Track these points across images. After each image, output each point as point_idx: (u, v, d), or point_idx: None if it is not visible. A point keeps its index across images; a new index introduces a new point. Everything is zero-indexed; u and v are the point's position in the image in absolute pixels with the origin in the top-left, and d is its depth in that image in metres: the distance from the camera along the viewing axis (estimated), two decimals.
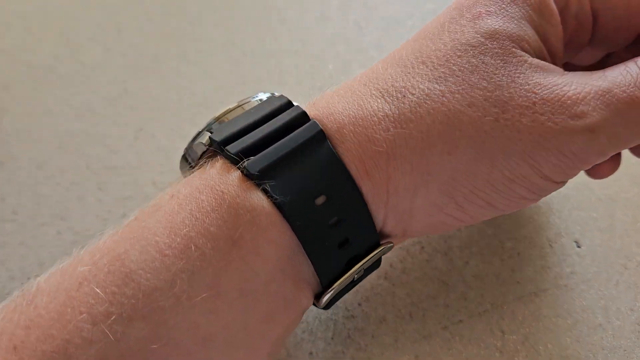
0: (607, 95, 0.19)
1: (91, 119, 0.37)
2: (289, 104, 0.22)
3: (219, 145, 0.21)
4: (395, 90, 0.21)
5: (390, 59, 0.22)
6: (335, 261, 0.22)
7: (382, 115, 0.20)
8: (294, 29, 0.42)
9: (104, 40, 0.41)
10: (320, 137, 0.21)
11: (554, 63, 0.22)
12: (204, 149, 0.22)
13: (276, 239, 0.20)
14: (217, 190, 0.20)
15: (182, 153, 0.24)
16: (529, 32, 0.21)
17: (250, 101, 0.23)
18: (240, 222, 0.19)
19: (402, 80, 0.21)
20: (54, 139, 0.36)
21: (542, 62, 0.21)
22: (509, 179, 0.20)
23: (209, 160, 0.22)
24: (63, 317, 0.17)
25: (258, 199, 0.20)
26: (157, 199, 0.21)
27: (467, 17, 0.21)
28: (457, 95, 0.20)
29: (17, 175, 0.34)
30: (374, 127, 0.20)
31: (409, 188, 0.21)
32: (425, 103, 0.20)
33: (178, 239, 0.18)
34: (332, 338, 0.27)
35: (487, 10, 0.21)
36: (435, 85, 0.20)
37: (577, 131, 0.19)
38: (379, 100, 0.21)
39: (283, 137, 0.21)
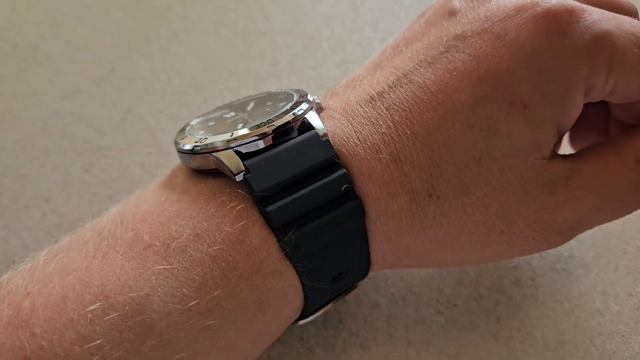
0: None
1: (78, 100, 0.36)
2: (333, 158, 0.20)
3: (256, 198, 0.19)
4: (426, 191, 0.21)
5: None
6: (325, 295, 0.22)
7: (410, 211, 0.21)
8: (287, 7, 0.41)
9: (92, 20, 0.40)
10: (360, 219, 0.20)
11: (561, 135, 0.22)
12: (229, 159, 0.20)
13: (292, 302, 0.21)
14: (255, 258, 0.19)
15: (175, 136, 0.23)
16: (551, 135, 0.21)
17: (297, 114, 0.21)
18: (272, 294, 0.20)
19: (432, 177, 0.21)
20: (38, 120, 0.35)
21: (550, 167, 0.21)
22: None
23: (240, 205, 0.20)
24: None
25: (290, 275, 0.20)
26: (174, 228, 0.19)
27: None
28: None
29: (1, 157, 0.33)
30: (403, 214, 0.21)
31: (413, 235, 0.21)
32: (444, 206, 0.21)
33: (207, 298, 0.18)
34: (323, 323, 0.27)
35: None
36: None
37: (562, 240, 0.22)
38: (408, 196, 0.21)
39: (327, 211, 0.20)
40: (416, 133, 0.20)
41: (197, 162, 0.21)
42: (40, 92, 0.36)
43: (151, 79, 0.37)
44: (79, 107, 0.35)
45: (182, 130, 0.23)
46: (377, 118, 0.21)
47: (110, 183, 0.32)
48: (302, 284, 0.20)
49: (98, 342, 0.17)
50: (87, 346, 0.17)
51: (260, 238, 0.19)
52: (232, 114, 0.23)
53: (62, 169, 0.33)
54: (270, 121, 0.20)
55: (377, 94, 0.21)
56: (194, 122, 0.23)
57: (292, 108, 0.21)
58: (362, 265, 0.22)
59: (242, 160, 0.19)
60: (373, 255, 0.22)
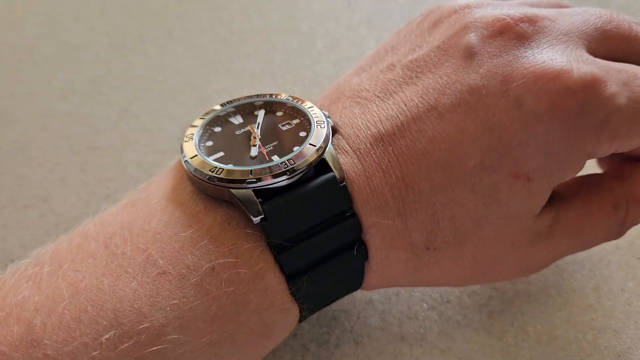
0: None
1: (74, 99, 0.36)
2: (349, 209, 0.21)
3: (271, 244, 0.20)
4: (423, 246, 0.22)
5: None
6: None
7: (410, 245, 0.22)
8: (282, 5, 0.41)
9: (88, 20, 0.41)
10: (362, 263, 0.22)
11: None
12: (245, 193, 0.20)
13: (291, 327, 0.22)
14: (268, 299, 0.20)
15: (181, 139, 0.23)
16: (546, 197, 0.22)
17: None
18: (277, 326, 0.21)
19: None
20: (36, 120, 0.35)
21: (538, 221, 0.22)
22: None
23: (253, 251, 0.20)
24: None
25: (295, 310, 0.21)
26: (190, 258, 0.19)
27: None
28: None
29: None
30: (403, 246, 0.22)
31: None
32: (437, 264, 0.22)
33: (220, 331, 0.19)
34: (317, 320, 0.27)
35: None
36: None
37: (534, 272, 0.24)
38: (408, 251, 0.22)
39: (335, 254, 0.21)
40: (422, 190, 0.21)
41: (211, 191, 0.20)
42: (38, 92, 0.36)
43: (147, 78, 0.37)
44: (75, 106, 0.36)
45: (188, 139, 0.22)
46: (388, 166, 0.21)
47: (108, 182, 0.32)
48: (301, 312, 0.22)
49: None
50: None
51: (274, 282, 0.20)
52: (240, 120, 0.23)
53: (60, 168, 0.33)
54: (292, 164, 0.20)
55: (387, 135, 0.21)
56: (198, 127, 0.23)
57: (314, 143, 0.21)
58: (352, 290, 0.23)
59: (259, 196, 0.20)
60: (363, 286, 0.23)
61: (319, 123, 0.22)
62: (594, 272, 0.28)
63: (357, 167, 0.21)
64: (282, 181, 0.20)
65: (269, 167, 0.20)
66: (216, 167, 0.20)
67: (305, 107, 0.23)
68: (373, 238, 0.21)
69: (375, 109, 0.22)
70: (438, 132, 0.21)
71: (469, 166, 0.20)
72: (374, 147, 0.21)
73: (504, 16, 0.22)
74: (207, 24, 0.40)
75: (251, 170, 0.20)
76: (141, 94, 0.36)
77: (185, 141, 0.22)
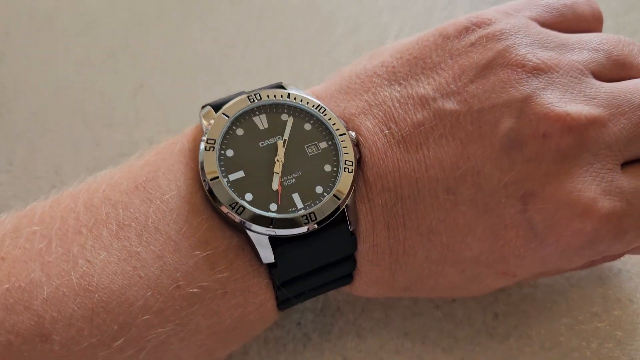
0: None
1: (91, 72, 0.36)
2: (353, 255, 0.22)
3: (274, 284, 0.21)
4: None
5: None
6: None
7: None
8: None
9: None
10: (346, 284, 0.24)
11: None
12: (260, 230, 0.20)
13: (263, 319, 0.23)
14: (264, 319, 0.22)
15: (204, 110, 0.23)
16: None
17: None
18: (258, 329, 0.23)
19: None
20: (52, 91, 0.35)
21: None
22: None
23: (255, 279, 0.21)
24: None
25: (268, 297, 0.22)
26: (205, 281, 0.20)
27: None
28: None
29: (14, 126, 0.33)
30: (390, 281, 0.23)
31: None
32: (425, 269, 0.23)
33: (217, 343, 0.21)
34: (321, 310, 0.27)
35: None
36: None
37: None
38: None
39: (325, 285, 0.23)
40: (417, 257, 0.22)
41: (226, 215, 0.20)
42: (55, 63, 0.36)
43: (164, 55, 0.37)
44: (91, 79, 0.36)
45: (210, 148, 0.21)
46: (394, 227, 0.21)
47: (120, 158, 0.32)
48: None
49: None
50: None
51: (270, 305, 0.22)
52: (266, 124, 0.22)
53: (74, 141, 0.33)
54: (314, 219, 0.21)
55: (403, 197, 0.21)
56: (222, 130, 0.22)
57: (339, 196, 0.21)
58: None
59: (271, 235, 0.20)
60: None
61: (347, 164, 0.21)
62: (603, 280, 0.28)
63: (368, 219, 0.21)
64: (300, 232, 0.21)
65: (291, 220, 0.20)
66: (237, 204, 0.20)
67: (333, 126, 0.22)
68: (360, 277, 0.23)
69: (399, 155, 0.21)
70: (449, 218, 0.21)
71: (464, 256, 0.22)
72: (388, 202, 0.21)
73: (553, 115, 0.20)
74: (228, 3, 0.39)
75: (272, 221, 0.20)
76: (157, 70, 0.36)
77: (207, 149, 0.21)
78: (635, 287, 0.27)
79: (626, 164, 0.22)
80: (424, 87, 0.22)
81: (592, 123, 0.21)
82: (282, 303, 0.22)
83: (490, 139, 0.21)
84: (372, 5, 0.39)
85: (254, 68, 0.36)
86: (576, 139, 0.20)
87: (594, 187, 0.20)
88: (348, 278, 0.23)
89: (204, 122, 0.22)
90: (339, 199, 0.21)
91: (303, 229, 0.20)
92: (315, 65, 0.36)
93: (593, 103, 0.21)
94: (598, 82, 0.22)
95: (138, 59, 0.36)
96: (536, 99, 0.21)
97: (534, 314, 0.27)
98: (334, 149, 0.22)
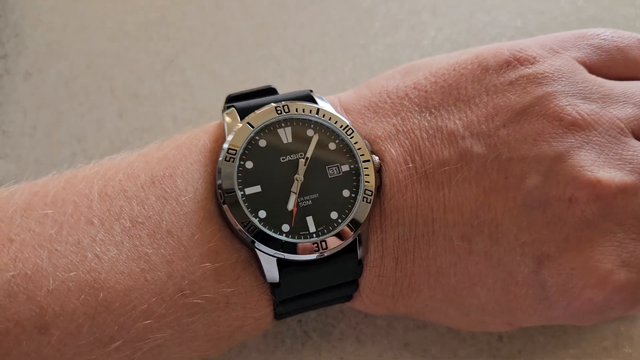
0: None
1: (124, 42, 0.36)
2: (357, 281, 0.22)
3: (274, 302, 0.21)
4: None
5: None
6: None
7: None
8: None
9: None
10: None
11: None
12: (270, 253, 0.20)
13: (259, 328, 0.23)
14: (259, 327, 0.22)
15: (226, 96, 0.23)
16: None
17: None
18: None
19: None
20: (84, 57, 0.35)
21: None
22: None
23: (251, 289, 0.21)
24: None
25: (269, 312, 0.22)
26: (212, 294, 0.20)
27: None
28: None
29: (42, 90, 0.34)
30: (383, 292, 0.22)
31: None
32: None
33: (212, 349, 0.22)
34: (324, 310, 0.27)
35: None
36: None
37: None
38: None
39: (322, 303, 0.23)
40: (421, 294, 0.22)
41: (235, 229, 0.20)
42: (90, 28, 0.36)
43: (198, 32, 0.36)
44: (124, 49, 0.35)
45: (230, 158, 0.21)
46: (402, 262, 0.21)
47: (142, 132, 0.32)
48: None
49: None
50: None
51: (269, 318, 0.22)
52: (290, 138, 0.21)
53: (99, 110, 0.33)
54: (324, 248, 0.20)
55: (416, 235, 0.21)
56: (244, 141, 0.21)
57: (353, 226, 0.21)
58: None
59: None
60: None
61: (366, 194, 0.21)
62: None
63: (378, 250, 0.21)
64: (309, 259, 0.20)
65: (301, 246, 0.20)
66: (249, 222, 0.20)
67: (358, 150, 0.21)
68: (360, 299, 0.23)
69: (419, 191, 0.21)
70: (460, 263, 0.21)
71: (471, 303, 0.22)
72: (401, 237, 0.21)
73: (583, 179, 0.20)
74: None
75: (283, 244, 0.20)
76: (190, 47, 0.36)
77: (227, 159, 0.21)
78: None
79: None
80: (455, 122, 0.21)
81: (623, 191, 0.20)
82: (279, 315, 0.22)
83: (515, 193, 0.20)
84: (414, 2, 0.38)
85: (286, 54, 0.36)
86: (603, 207, 0.20)
87: (614, 257, 0.20)
88: (348, 297, 0.23)
89: (227, 123, 0.21)
90: (352, 230, 0.21)
91: (312, 256, 0.20)
92: (348, 58, 0.35)
93: (628, 168, 0.20)
94: (638, 144, 0.21)
95: (172, 35, 0.36)
96: (569, 159, 0.20)
97: (541, 341, 0.26)
98: (355, 174, 0.21)
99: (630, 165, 0.20)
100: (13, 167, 0.30)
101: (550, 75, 0.21)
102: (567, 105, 0.20)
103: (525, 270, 0.20)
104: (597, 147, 0.20)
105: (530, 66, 0.21)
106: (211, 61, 0.35)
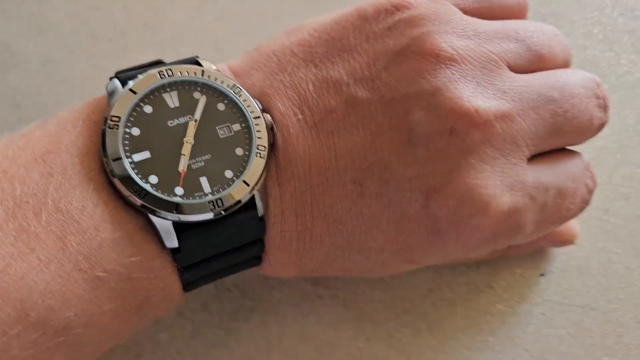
0: None
1: None
2: (262, 239, 0.22)
3: (178, 268, 0.21)
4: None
5: None
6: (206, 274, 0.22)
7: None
8: None
9: None
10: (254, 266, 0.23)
11: None
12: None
13: (168, 300, 0.21)
14: (167, 298, 0.21)
15: None
16: None
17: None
18: (161, 309, 0.22)
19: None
20: None
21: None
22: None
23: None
24: None
25: (173, 280, 0.21)
26: (104, 262, 0.19)
27: None
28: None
29: None
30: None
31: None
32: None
33: (122, 327, 0.20)
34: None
35: None
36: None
37: None
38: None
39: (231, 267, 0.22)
40: (324, 244, 0.22)
41: (127, 198, 0.19)
42: None
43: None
44: None
45: (113, 126, 0.20)
46: (302, 215, 0.21)
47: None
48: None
49: None
50: None
51: (176, 288, 0.21)
52: (177, 102, 0.21)
53: None
54: (220, 206, 0.20)
55: (312, 185, 0.21)
56: (128, 107, 0.20)
57: (249, 182, 0.20)
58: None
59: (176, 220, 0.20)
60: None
61: (259, 149, 0.21)
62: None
63: (277, 206, 0.21)
64: (205, 218, 0.20)
65: (196, 205, 0.20)
66: (139, 187, 0.19)
67: (248, 108, 0.21)
68: (268, 260, 0.23)
69: (310, 142, 0.21)
70: (355, 208, 0.21)
71: (371, 245, 0.22)
72: (298, 189, 0.21)
73: (460, 110, 0.20)
74: None
75: (177, 206, 0.19)
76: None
77: (110, 127, 0.20)
78: None
79: (534, 157, 0.22)
80: (339, 71, 0.22)
81: (500, 118, 0.21)
82: (188, 285, 0.21)
83: (399, 132, 0.21)
84: None
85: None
86: (483, 135, 0.20)
87: (497, 183, 0.21)
88: (256, 260, 0.23)
89: (109, 92, 0.21)
90: (248, 185, 0.20)
91: (209, 215, 0.20)
92: None
93: (504, 98, 0.21)
94: (512, 75, 0.22)
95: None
96: (446, 92, 0.20)
97: None
98: (247, 132, 0.21)
99: (506, 95, 0.21)
100: None
101: (426, 17, 0.22)
102: (442, 42, 0.21)
103: (416, 206, 0.21)
104: (473, 79, 0.21)
105: (406, 11, 0.22)
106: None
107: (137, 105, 0.21)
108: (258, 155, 0.21)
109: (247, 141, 0.21)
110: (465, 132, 0.20)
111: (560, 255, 0.28)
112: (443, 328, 0.26)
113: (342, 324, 0.26)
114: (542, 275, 0.28)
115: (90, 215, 0.19)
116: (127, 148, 0.20)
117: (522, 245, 0.26)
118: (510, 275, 0.28)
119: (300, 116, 0.21)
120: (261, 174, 0.21)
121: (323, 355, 0.25)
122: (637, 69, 0.33)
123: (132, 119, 0.20)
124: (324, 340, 0.26)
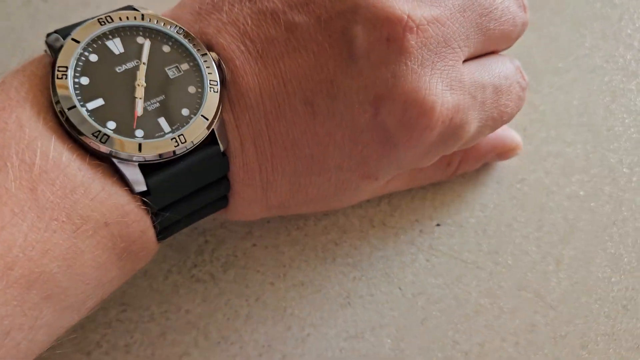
0: None
1: None
2: (226, 176, 0.22)
3: (151, 208, 0.21)
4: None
5: None
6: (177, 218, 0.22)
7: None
8: None
9: None
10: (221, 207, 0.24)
11: None
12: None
13: (145, 249, 0.22)
14: (143, 246, 0.21)
15: None
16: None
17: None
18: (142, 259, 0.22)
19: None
20: None
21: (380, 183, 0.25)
22: None
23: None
24: None
25: (147, 225, 0.21)
26: (82, 210, 0.19)
27: None
28: None
29: None
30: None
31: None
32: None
33: (103, 278, 0.20)
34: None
35: None
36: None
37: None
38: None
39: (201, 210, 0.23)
40: (286, 173, 0.23)
41: (89, 145, 0.19)
42: None
43: None
44: None
45: (62, 76, 0.19)
46: (261, 145, 0.22)
47: None
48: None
49: None
50: None
51: (150, 234, 0.21)
52: (121, 48, 0.21)
53: None
54: (183, 142, 0.20)
55: (266, 112, 0.21)
56: (74, 55, 0.20)
57: (207, 116, 0.21)
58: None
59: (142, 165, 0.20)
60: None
61: (212, 84, 0.21)
62: None
63: (236, 138, 0.22)
64: (170, 156, 0.20)
65: (159, 143, 0.20)
66: (100, 132, 0.19)
67: (193, 47, 0.21)
68: (234, 199, 0.23)
69: (257, 71, 0.21)
70: (309, 129, 0.22)
71: (329, 164, 0.23)
72: (253, 119, 0.22)
73: (394, 18, 0.21)
74: None
75: (140, 147, 0.19)
76: None
77: (59, 77, 0.19)
78: None
79: (467, 61, 0.23)
80: (274, 2, 0.22)
81: (432, 22, 0.21)
82: (161, 232, 0.22)
83: (340, 48, 0.21)
84: None
85: None
86: (418, 39, 0.21)
87: (438, 83, 0.21)
88: (224, 201, 0.24)
89: (49, 46, 0.20)
90: (207, 119, 0.21)
91: (171, 155, 0.20)
92: None
93: (433, 4, 0.22)
94: None
95: None
96: (378, 3, 0.21)
97: None
98: (196, 70, 0.21)
99: (434, 1, 0.22)
100: None
101: None
102: None
103: (366, 116, 0.22)
104: None
105: None
106: None
107: (82, 55, 0.20)
108: (212, 89, 0.21)
109: (198, 78, 0.21)
110: (401, 38, 0.21)
111: (462, 210, 0.28)
112: (328, 249, 0.27)
113: None
114: (438, 225, 0.28)
115: (56, 164, 0.19)
116: (79, 97, 0.19)
117: (471, 159, 0.28)
118: (406, 219, 0.28)
119: (243, 49, 0.21)
120: (217, 107, 0.21)
121: None
122: (599, 54, 0.33)
123: (78, 68, 0.20)
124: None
